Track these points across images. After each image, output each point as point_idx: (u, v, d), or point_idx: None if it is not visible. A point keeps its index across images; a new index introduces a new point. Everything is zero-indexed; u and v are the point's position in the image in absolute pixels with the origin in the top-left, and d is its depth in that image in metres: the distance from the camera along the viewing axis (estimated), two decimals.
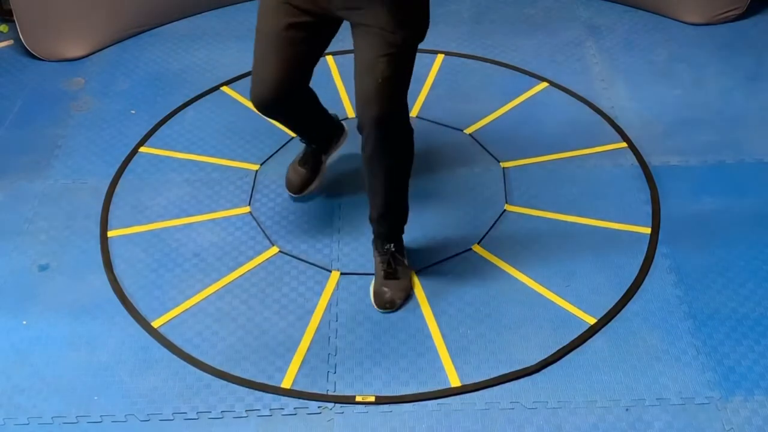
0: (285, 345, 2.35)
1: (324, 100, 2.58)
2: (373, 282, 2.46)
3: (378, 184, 2.31)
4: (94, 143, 3.03)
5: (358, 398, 2.21)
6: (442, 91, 3.20)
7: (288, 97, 2.32)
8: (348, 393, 2.23)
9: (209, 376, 2.27)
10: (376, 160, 2.25)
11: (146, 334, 2.38)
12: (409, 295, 2.44)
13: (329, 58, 3.32)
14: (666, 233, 2.62)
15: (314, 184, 2.73)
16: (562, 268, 2.52)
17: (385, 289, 2.41)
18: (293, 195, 2.74)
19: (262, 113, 2.37)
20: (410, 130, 2.27)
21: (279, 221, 2.71)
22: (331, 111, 2.71)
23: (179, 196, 2.81)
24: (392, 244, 2.43)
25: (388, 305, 2.40)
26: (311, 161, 2.71)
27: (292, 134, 2.94)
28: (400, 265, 2.43)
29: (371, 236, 2.48)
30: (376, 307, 2.42)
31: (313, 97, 2.50)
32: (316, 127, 2.66)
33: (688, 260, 2.54)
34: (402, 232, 2.46)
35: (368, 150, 2.23)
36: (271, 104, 2.32)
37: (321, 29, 2.23)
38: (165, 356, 2.32)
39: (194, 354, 2.33)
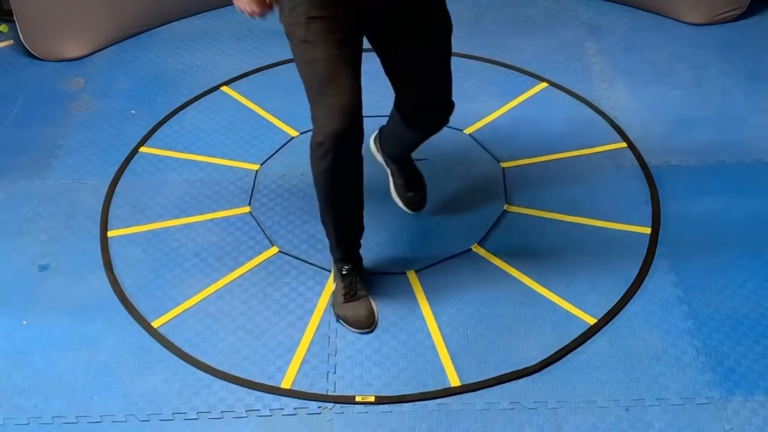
0: (285, 345, 2.35)
1: None
2: (396, 193, 2.67)
3: (416, 143, 2.49)
4: (94, 143, 3.03)
5: (358, 398, 2.21)
6: None
7: (360, 122, 2.09)
8: (348, 393, 2.22)
9: (209, 376, 2.27)
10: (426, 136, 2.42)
11: (146, 334, 2.38)
12: (426, 194, 2.69)
13: None
14: (666, 233, 2.62)
15: (374, 306, 2.44)
16: (562, 268, 2.52)
17: (411, 193, 2.66)
18: (367, 330, 2.38)
19: (342, 142, 2.05)
20: None
21: (279, 221, 2.71)
22: None
23: (179, 196, 2.81)
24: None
25: (419, 206, 2.67)
26: (358, 287, 2.40)
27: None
28: (418, 173, 2.67)
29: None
30: (409, 210, 2.67)
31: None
32: (361, 210, 2.35)
33: (688, 260, 2.54)
34: None
35: (426, 134, 2.38)
36: (351, 128, 2.05)
37: (358, 39, 2.11)
38: (165, 356, 2.32)
39: (194, 354, 2.33)
